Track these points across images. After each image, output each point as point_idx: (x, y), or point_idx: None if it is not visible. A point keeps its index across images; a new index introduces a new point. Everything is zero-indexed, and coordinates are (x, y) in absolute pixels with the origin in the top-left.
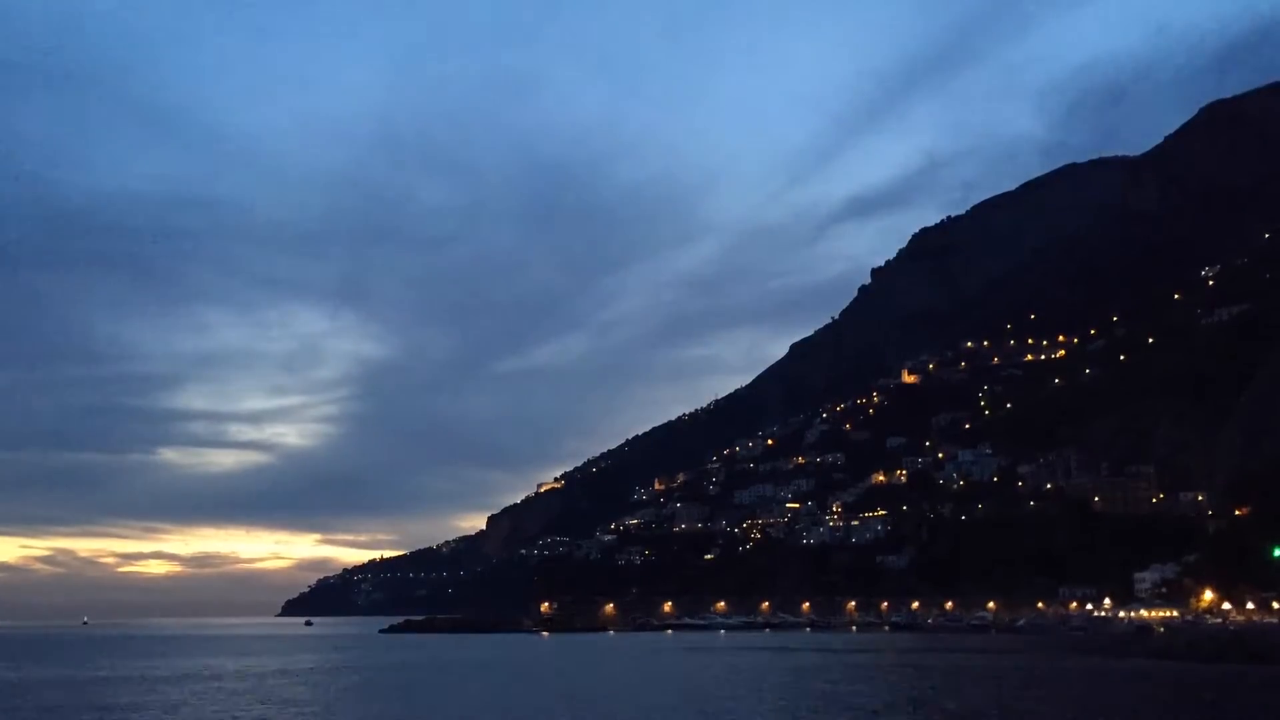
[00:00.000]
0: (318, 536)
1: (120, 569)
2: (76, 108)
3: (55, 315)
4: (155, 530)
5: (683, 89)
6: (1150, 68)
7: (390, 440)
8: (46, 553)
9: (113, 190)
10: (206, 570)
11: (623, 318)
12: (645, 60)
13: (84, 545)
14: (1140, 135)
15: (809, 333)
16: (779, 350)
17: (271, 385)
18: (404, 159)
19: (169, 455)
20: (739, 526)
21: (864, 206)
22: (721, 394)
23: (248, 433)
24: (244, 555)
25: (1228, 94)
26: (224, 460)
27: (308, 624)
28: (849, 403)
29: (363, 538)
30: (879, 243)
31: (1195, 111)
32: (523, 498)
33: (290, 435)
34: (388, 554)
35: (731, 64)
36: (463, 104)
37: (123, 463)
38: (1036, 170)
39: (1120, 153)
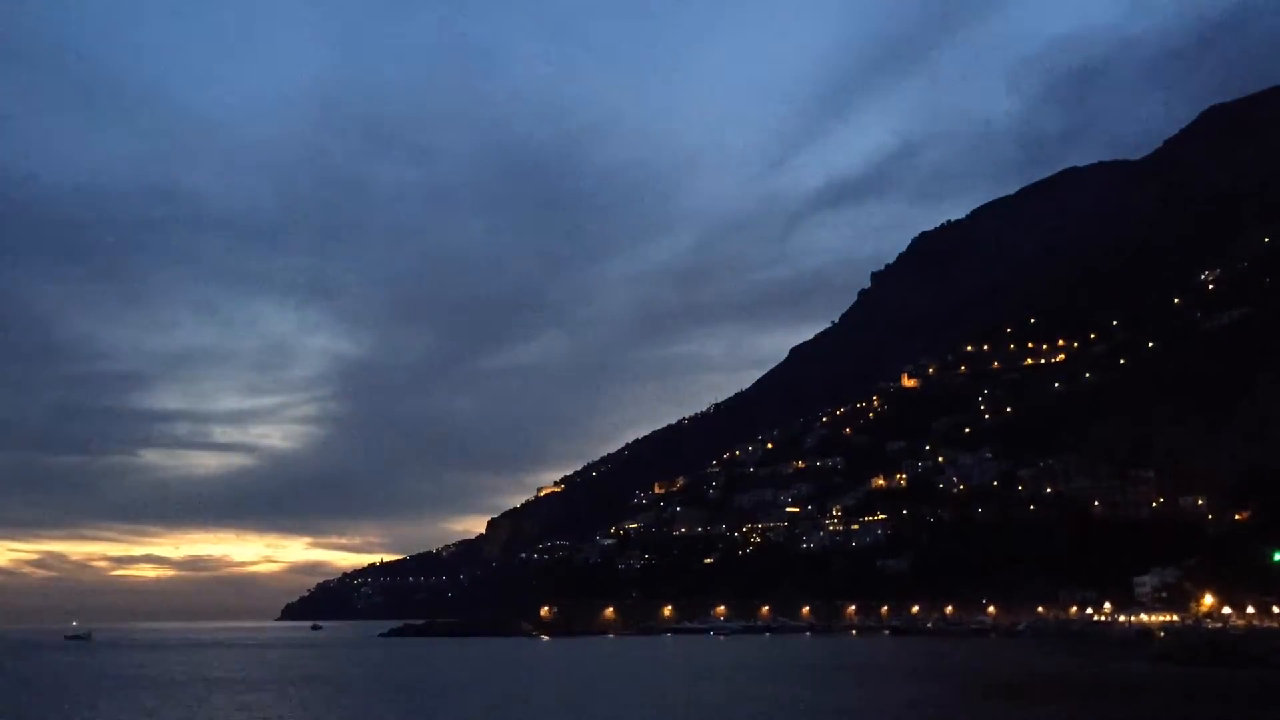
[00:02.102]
0: (308, 540)
1: (113, 573)
2: (21, 90)
3: (15, 312)
4: (144, 533)
5: (652, 67)
6: (1126, 45)
7: (375, 442)
8: (36, 556)
9: (64, 180)
10: (200, 574)
11: (602, 314)
12: (612, 35)
13: (73, 549)
14: (1116, 115)
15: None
16: (764, 345)
17: (246, 385)
18: (361, 142)
19: (151, 457)
20: (739, 530)
21: (841, 194)
22: (721, 398)
23: (230, 434)
24: (236, 559)
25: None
26: (207, 462)
27: (315, 628)
28: (848, 407)
29: (355, 541)
30: (861, 230)
31: (1195, 115)
32: (521, 501)
33: (273, 437)
34: (386, 558)
35: (703, 41)
36: (420, 81)
37: (104, 465)
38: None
39: (1118, 155)
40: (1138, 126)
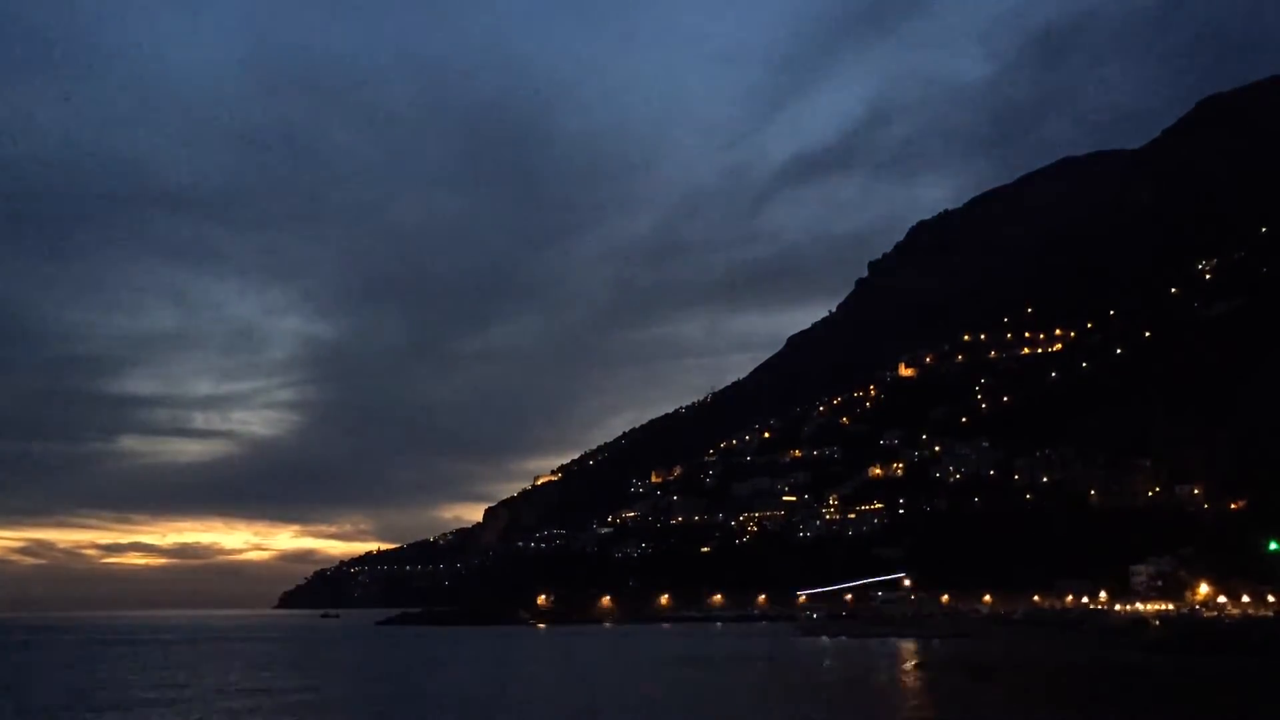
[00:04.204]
0: (296, 528)
1: (103, 560)
2: None
3: None
4: (129, 521)
5: (615, 31)
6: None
7: (355, 429)
8: (23, 544)
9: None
10: (192, 562)
11: (576, 293)
12: None
13: (60, 536)
14: (1091, 80)
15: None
16: (744, 326)
17: (218, 370)
18: (316, 106)
19: (129, 444)
20: (736, 519)
21: (812, 166)
22: (717, 386)
23: (210, 421)
24: (225, 547)
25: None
26: (189, 449)
27: (324, 616)
28: (845, 396)
29: (345, 529)
30: (833, 205)
31: (1191, 105)
32: (509, 489)
33: (252, 423)
34: (382, 546)
35: (667, 3)
36: (374, 39)
37: (84, 452)
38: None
39: (1117, 145)
40: (1113, 92)
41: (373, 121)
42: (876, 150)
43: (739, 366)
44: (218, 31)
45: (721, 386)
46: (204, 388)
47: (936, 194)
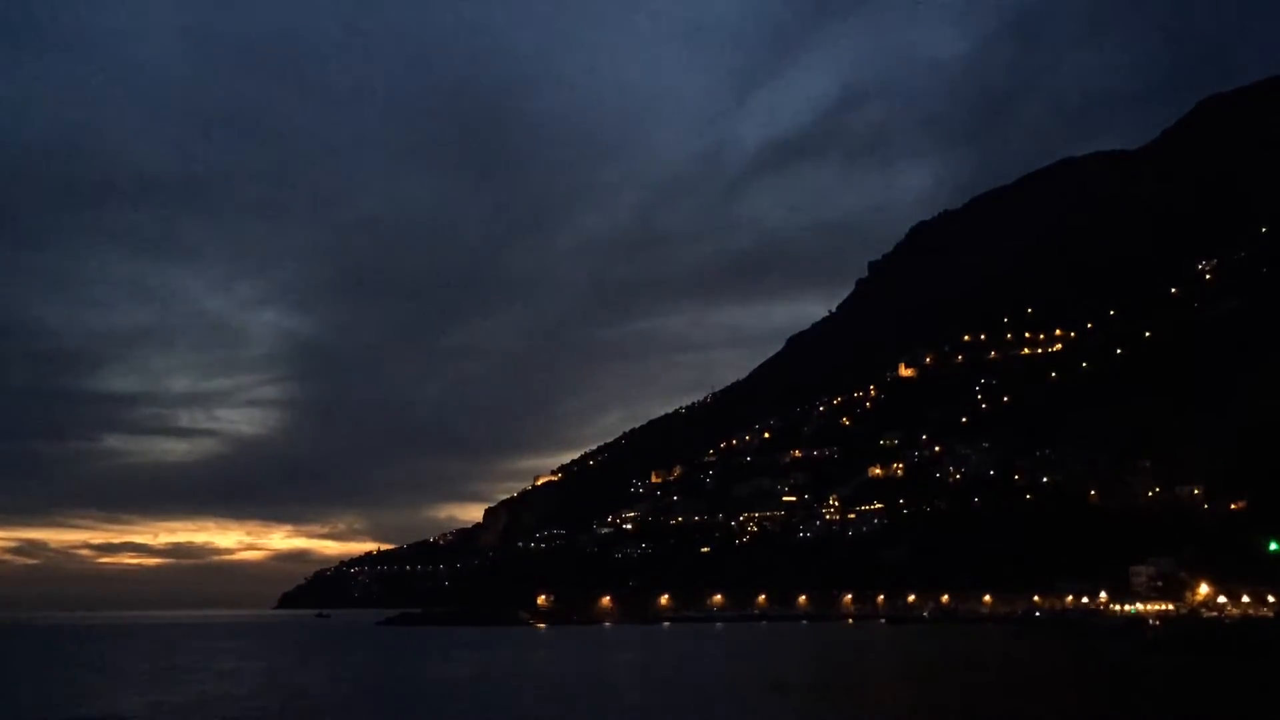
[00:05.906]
0: (289, 528)
1: (98, 560)
2: None
3: None
4: (120, 521)
5: (589, 7)
6: None
7: (342, 426)
8: (15, 544)
9: None
10: (187, 562)
11: (557, 285)
12: None
13: (52, 536)
14: (1061, 65)
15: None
16: (729, 319)
17: (197, 366)
18: (277, 87)
19: (114, 442)
20: (736, 520)
21: (790, 151)
22: (718, 387)
23: (195, 419)
24: (219, 546)
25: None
26: (175, 448)
27: (318, 616)
28: (846, 396)
29: (338, 528)
30: (811, 192)
31: (1193, 105)
32: (505, 488)
33: (237, 421)
34: (383, 547)
35: None
36: (337, 17)
37: (70, 451)
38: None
39: (1116, 145)
40: (1091, 77)
41: (336, 102)
42: (852, 133)
43: (727, 361)
44: (174, 11)
45: (721, 386)
46: (184, 384)
47: (914, 181)
